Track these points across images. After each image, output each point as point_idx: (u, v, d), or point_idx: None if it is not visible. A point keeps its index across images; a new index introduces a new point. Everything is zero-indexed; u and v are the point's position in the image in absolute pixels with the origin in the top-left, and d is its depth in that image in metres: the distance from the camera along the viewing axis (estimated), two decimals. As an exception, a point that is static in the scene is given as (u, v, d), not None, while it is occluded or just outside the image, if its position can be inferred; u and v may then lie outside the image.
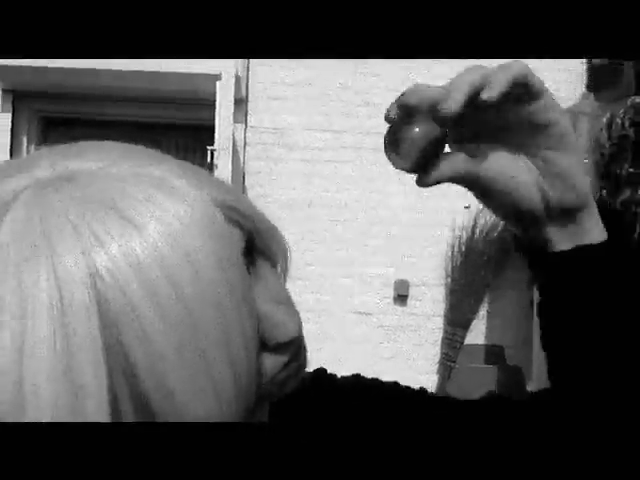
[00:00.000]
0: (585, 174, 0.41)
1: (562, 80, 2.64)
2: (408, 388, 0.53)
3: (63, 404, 0.30)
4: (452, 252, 2.92)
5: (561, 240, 0.42)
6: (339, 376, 0.54)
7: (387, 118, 0.38)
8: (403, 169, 0.38)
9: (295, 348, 0.40)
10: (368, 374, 0.54)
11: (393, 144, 0.37)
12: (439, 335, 2.92)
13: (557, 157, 0.40)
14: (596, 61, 2.49)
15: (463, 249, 2.91)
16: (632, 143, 2.25)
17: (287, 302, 0.41)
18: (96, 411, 0.31)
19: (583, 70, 2.64)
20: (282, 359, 0.40)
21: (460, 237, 2.91)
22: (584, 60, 2.60)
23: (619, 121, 2.29)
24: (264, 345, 0.39)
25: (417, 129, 0.36)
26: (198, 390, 0.33)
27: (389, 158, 0.37)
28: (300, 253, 2.82)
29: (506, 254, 2.82)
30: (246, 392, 0.36)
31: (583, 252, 0.42)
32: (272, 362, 0.39)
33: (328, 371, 0.54)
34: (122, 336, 0.31)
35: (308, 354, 0.44)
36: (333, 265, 2.91)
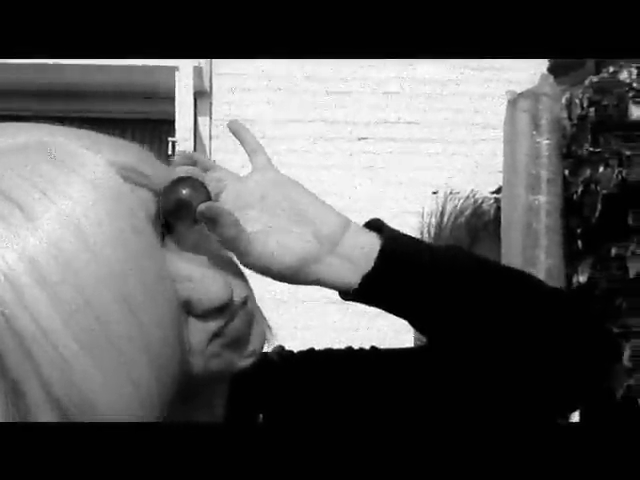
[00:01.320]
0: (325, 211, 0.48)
1: (523, 62, 2.64)
2: (361, 349, 0.55)
3: None
4: (421, 239, 2.93)
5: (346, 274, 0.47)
6: (296, 351, 0.55)
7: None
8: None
9: (227, 316, 0.38)
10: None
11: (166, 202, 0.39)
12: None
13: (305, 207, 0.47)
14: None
15: (432, 235, 2.92)
16: (591, 123, 2.26)
17: (215, 264, 0.38)
18: None
19: (546, 53, 2.65)
20: (210, 327, 0.37)
21: (429, 223, 2.91)
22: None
23: (578, 102, 2.30)
24: (191, 312, 0.37)
25: (184, 191, 0.39)
26: (110, 381, 0.30)
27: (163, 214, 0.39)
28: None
29: (474, 238, 2.83)
30: (169, 373, 0.33)
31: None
32: (199, 331, 0.37)
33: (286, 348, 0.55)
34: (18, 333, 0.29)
35: (269, 332, 0.44)
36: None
